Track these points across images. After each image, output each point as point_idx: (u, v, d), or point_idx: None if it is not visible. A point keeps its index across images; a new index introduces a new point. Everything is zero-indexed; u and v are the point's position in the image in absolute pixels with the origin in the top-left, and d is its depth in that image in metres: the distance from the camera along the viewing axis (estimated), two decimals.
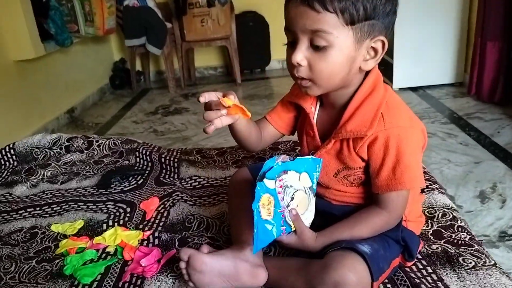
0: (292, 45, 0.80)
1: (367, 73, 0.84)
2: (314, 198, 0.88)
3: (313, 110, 0.91)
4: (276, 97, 3.34)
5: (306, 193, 0.85)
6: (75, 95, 3.33)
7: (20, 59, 2.62)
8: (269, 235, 0.82)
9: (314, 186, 0.87)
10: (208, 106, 0.83)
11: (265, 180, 0.80)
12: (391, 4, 0.77)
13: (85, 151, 1.54)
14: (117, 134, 2.78)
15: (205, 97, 0.82)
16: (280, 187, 0.82)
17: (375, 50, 0.80)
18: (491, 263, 0.86)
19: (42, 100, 2.88)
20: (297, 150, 1.45)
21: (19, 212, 1.22)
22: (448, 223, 1.00)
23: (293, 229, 0.84)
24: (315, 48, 0.76)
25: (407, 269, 0.87)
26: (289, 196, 0.83)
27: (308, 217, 0.86)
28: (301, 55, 0.77)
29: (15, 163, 1.53)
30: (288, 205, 0.83)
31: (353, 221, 0.84)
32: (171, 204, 1.18)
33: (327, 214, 0.90)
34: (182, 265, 0.86)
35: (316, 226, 0.86)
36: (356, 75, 0.82)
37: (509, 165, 1.94)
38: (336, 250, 0.79)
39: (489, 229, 1.54)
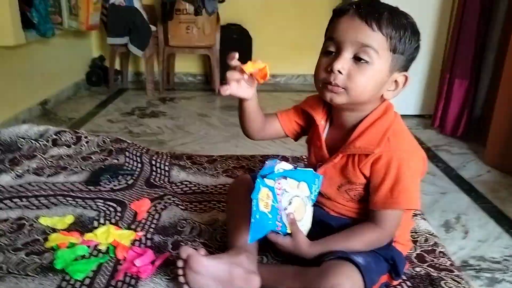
0: (327, 55, 0.87)
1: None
2: (312, 209, 0.92)
3: (323, 124, 0.97)
4: None
5: (303, 201, 0.90)
6: (50, 87, 3.24)
7: None
8: (265, 226, 0.86)
9: (313, 197, 0.92)
10: (233, 69, 0.87)
11: (265, 179, 0.86)
12: (417, 50, 0.89)
13: (73, 146, 1.52)
14: (91, 132, 2.73)
15: (235, 58, 0.86)
16: (279, 189, 0.87)
17: (396, 83, 0.88)
18: None
19: (15, 89, 2.79)
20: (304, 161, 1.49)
21: (4, 201, 1.19)
22: (430, 248, 1.06)
23: (289, 231, 0.88)
24: (357, 60, 0.83)
25: None
26: (287, 200, 0.88)
27: (304, 224, 0.90)
28: (344, 64, 0.84)
29: None
30: (285, 209, 0.87)
31: (347, 233, 0.89)
32: (162, 207, 1.19)
33: (323, 224, 0.94)
34: (180, 264, 0.87)
35: (313, 236, 0.90)
36: (374, 101, 0.89)
37: (473, 198, 2.06)
38: (331, 259, 0.84)
39: (452, 257, 1.62)
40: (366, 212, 0.91)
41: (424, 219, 1.20)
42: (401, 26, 0.83)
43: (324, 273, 0.81)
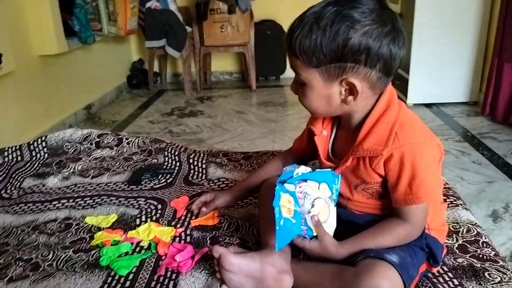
0: None
1: (382, 92, 0.87)
2: (335, 209, 0.91)
3: (326, 134, 0.97)
4: (290, 105, 3.39)
5: (326, 202, 0.89)
6: (93, 92, 3.38)
7: (44, 54, 2.67)
8: (290, 232, 0.86)
9: (334, 197, 0.91)
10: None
11: (285, 184, 0.86)
12: (361, 45, 0.77)
13: (115, 148, 1.58)
14: (133, 133, 2.82)
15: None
16: (300, 193, 0.87)
17: (351, 90, 0.83)
18: None
19: (61, 95, 2.93)
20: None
21: (53, 203, 1.26)
22: (473, 238, 1.03)
23: (315, 234, 0.88)
24: (300, 83, 0.86)
25: (434, 280, 0.90)
26: (309, 203, 0.87)
27: (329, 225, 0.90)
28: (292, 87, 0.89)
29: (46, 155, 1.57)
30: (309, 212, 0.87)
31: (376, 230, 0.87)
32: None
33: (350, 224, 0.93)
34: (216, 262, 0.90)
35: (340, 236, 0.89)
36: (355, 104, 0.85)
37: None
38: (365, 258, 0.83)
39: (501, 248, 1.57)
40: (390, 208, 0.89)
41: (466, 209, 1.16)
42: (310, 38, 0.78)
43: (360, 274, 0.79)
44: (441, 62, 3.04)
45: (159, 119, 3.20)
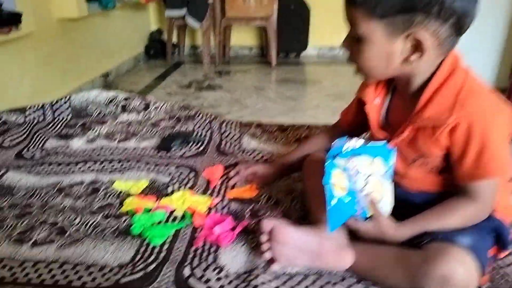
0: None
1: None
2: (391, 187, 0.81)
3: (378, 102, 0.87)
4: (310, 83, 3.28)
5: (380, 180, 0.80)
6: (111, 60, 3.29)
7: (63, 17, 2.58)
8: (343, 212, 0.77)
9: (390, 173, 0.81)
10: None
11: (335, 159, 0.77)
12: None
13: (142, 112, 1.50)
14: None
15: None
16: (352, 169, 0.77)
17: (416, 47, 0.72)
18: None
19: (79, 61, 2.84)
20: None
21: (78, 165, 1.18)
22: None
23: (369, 215, 0.79)
24: (357, 38, 0.74)
25: (507, 271, 0.82)
26: (362, 180, 0.78)
27: (384, 205, 0.80)
28: (345, 42, 0.77)
29: (69, 116, 1.49)
30: (361, 191, 0.78)
31: (440, 210, 0.78)
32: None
33: (406, 203, 0.84)
34: (264, 238, 0.81)
35: (395, 217, 0.81)
36: (418, 65, 0.75)
37: None
38: (431, 241, 0.74)
39: None
40: (452, 183, 0.79)
41: None
42: None
43: (430, 259, 0.71)
44: (469, 47, 2.92)
45: (177, 91, 3.10)
